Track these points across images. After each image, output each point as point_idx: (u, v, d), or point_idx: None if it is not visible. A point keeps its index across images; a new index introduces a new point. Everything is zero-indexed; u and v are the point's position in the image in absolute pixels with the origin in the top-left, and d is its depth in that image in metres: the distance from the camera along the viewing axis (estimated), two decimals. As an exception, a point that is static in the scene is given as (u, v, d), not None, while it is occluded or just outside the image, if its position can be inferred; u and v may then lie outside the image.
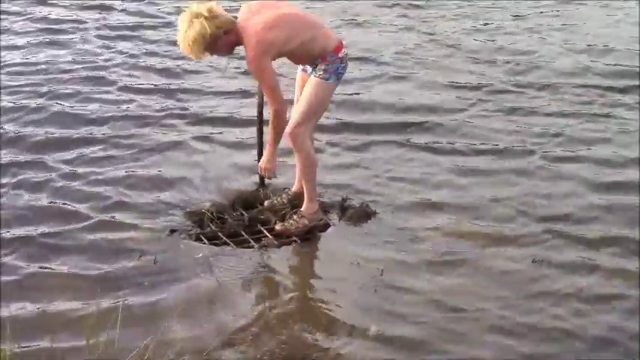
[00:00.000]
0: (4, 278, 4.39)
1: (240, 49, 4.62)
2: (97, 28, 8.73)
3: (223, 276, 4.48)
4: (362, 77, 7.36)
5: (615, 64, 7.79)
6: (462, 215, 5.12)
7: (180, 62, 7.61)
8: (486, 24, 9.05)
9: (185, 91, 7.05)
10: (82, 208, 5.14)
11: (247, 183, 5.42)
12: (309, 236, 4.90)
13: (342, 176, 5.57)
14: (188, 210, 5.12)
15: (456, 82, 7.31)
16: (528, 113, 6.71)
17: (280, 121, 4.63)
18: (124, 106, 6.75)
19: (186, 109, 6.74)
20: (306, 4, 9.61)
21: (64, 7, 9.46)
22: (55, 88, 7.05)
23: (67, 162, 5.76)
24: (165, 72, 7.53)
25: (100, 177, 5.55)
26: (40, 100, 6.79)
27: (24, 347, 3.75)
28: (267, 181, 5.15)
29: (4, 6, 9.34)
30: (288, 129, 4.68)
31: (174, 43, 7.97)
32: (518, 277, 4.50)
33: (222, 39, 4.45)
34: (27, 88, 7.04)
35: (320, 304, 4.33)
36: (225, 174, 5.58)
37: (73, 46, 8.19)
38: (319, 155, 5.40)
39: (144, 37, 8.50)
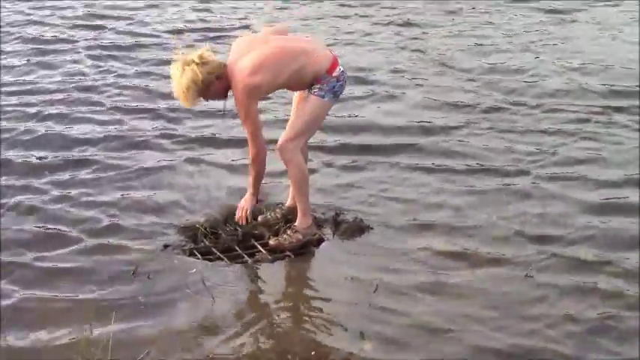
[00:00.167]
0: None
1: None
2: (88, 48, 8.85)
3: (217, 291, 4.56)
4: (356, 97, 7.45)
5: (609, 83, 7.83)
6: (455, 234, 5.18)
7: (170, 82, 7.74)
8: (480, 43, 9.14)
9: (176, 110, 7.13)
10: (74, 227, 5.24)
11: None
12: (303, 251, 4.99)
13: (336, 196, 5.64)
14: (181, 225, 5.22)
15: (450, 101, 7.39)
16: (522, 132, 6.75)
17: (260, 166, 4.84)
18: (115, 127, 6.83)
19: (177, 129, 6.81)
20: (302, 22, 9.89)
21: (56, 26, 9.61)
22: (45, 109, 7.14)
23: (58, 184, 5.82)
24: (156, 92, 7.61)
25: (91, 198, 5.62)
26: (30, 123, 6.87)
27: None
28: (260, 196, 5.28)
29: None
30: (279, 142, 4.83)
31: (163, 62, 8.29)
32: (511, 298, 4.53)
33: (214, 84, 4.65)
34: (18, 108, 7.15)
35: (313, 320, 4.40)
36: (217, 195, 5.66)
37: (63, 66, 8.31)
38: (314, 176, 5.53)
39: (135, 57, 8.61)
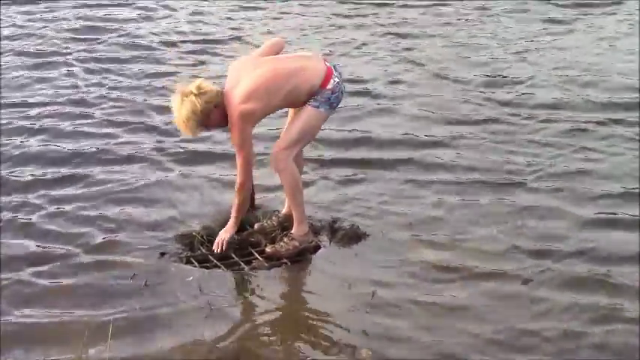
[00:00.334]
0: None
1: None
2: (82, 61, 8.90)
3: (214, 299, 4.67)
4: (352, 109, 7.48)
5: (608, 95, 7.84)
6: (452, 237, 5.31)
7: (164, 97, 7.68)
8: (476, 53, 9.19)
9: (169, 123, 6.95)
10: (70, 241, 5.31)
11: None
12: (299, 258, 5.10)
13: (332, 209, 5.67)
14: (178, 233, 5.33)
15: (447, 113, 7.43)
16: (519, 144, 6.76)
17: (244, 195, 5.00)
18: (109, 141, 6.87)
19: (171, 143, 6.83)
20: (297, 33, 9.94)
21: (50, 38, 9.67)
22: (38, 123, 7.19)
23: (53, 200, 5.86)
24: (150, 105, 7.67)
25: (86, 212, 5.68)
26: (23, 137, 6.91)
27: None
28: (257, 203, 5.40)
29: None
30: (272, 151, 5.00)
31: (158, 75, 8.40)
32: (507, 312, 4.59)
33: (214, 113, 4.83)
34: (12, 123, 7.20)
35: (310, 327, 4.50)
36: (212, 205, 5.72)
37: (57, 79, 8.35)
38: (310, 189, 5.64)
39: (129, 70, 8.65)
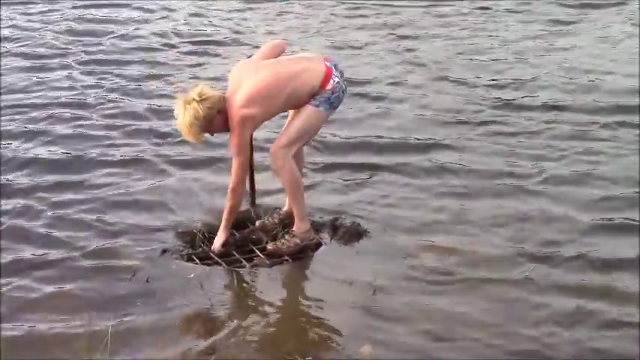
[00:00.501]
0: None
1: None
2: (81, 63, 8.98)
3: (215, 296, 4.77)
4: (352, 111, 7.52)
5: (611, 97, 7.84)
6: (454, 239, 5.37)
7: (163, 100, 7.82)
8: (478, 54, 9.25)
9: (169, 126, 7.11)
10: (71, 244, 5.37)
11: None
12: (300, 255, 5.20)
13: (334, 211, 5.73)
14: (179, 230, 5.44)
15: (448, 116, 7.46)
16: (521, 147, 6.82)
17: (236, 199, 5.11)
18: (107, 144, 6.93)
19: (170, 146, 6.88)
20: (297, 34, 10.01)
21: (48, 40, 9.74)
22: (36, 127, 7.23)
23: (53, 205, 5.90)
24: (148, 108, 7.72)
25: (87, 216, 5.73)
26: (20, 141, 6.95)
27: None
28: (257, 200, 5.51)
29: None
30: (271, 149, 5.10)
31: (156, 77, 8.48)
32: (508, 314, 4.63)
33: (216, 118, 4.94)
34: (10, 126, 7.24)
35: (312, 324, 4.58)
36: (212, 205, 5.80)
37: (55, 82, 8.40)
38: (310, 192, 5.68)
39: (128, 73, 8.69)
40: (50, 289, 4.86)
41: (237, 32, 10.25)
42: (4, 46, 9.53)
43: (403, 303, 4.72)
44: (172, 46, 9.65)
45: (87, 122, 7.40)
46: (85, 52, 9.39)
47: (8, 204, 5.87)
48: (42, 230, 5.54)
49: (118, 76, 8.62)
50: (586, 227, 5.54)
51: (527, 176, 6.28)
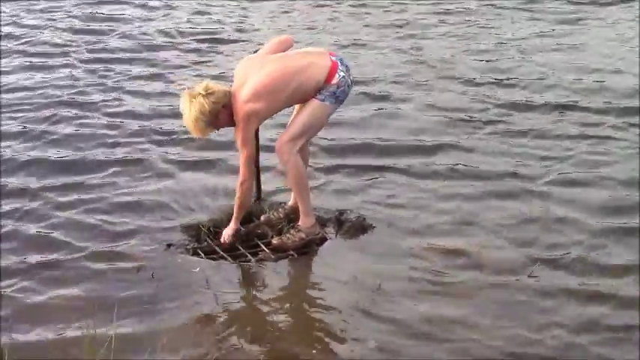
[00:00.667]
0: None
1: None
2: (83, 61, 9.07)
3: (220, 290, 4.85)
4: (357, 111, 7.57)
5: (620, 96, 7.89)
6: (459, 240, 5.40)
7: (167, 99, 7.88)
8: (483, 52, 9.34)
9: (172, 125, 7.25)
10: (75, 238, 5.47)
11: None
12: (306, 250, 5.28)
13: (339, 206, 5.82)
14: (184, 224, 5.53)
15: (454, 115, 7.50)
16: (528, 148, 6.84)
17: (244, 194, 5.20)
18: (110, 143, 7.00)
19: (173, 146, 6.95)
20: (302, 30, 10.11)
21: (50, 38, 9.84)
22: (38, 126, 7.28)
23: (56, 206, 5.95)
24: (151, 109, 7.78)
25: (87, 218, 5.77)
26: (20, 142, 6.98)
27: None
28: (263, 194, 5.59)
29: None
30: (277, 143, 5.18)
31: (160, 77, 8.53)
32: (513, 314, 4.66)
33: (222, 113, 5.03)
34: (12, 126, 7.31)
35: (317, 318, 4.66)
36: (218, 201, 5.89)
37: (57, 81, 8.47)
38: (314, 193, 5.71)
39: (130, 71, 8.78)
40: (53, 290, 4.91)
41: (240, 30, 10.36)
42: (5, 44, 9.62)
43: (406, 304, 4.77)
44: (176, 44, 9.75)
45: (89, 121, 7.46)
46: (88, 50, 9.48)
47: (10, 205, 5.93)
48: (44, 232, 5.59)
49: (120, 74, 8.70)
50: (593, 230, 5.54)
51: (533, 177, 6.30)
